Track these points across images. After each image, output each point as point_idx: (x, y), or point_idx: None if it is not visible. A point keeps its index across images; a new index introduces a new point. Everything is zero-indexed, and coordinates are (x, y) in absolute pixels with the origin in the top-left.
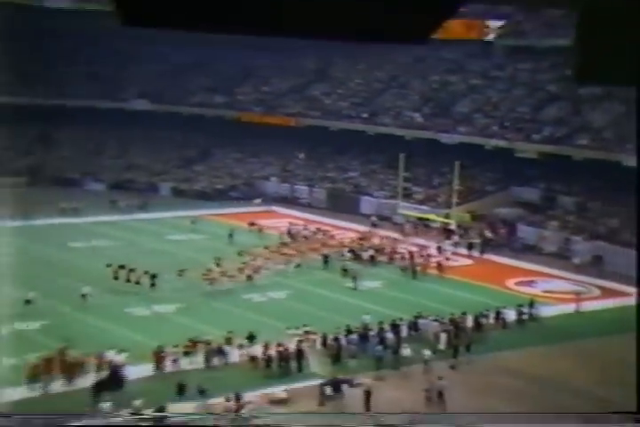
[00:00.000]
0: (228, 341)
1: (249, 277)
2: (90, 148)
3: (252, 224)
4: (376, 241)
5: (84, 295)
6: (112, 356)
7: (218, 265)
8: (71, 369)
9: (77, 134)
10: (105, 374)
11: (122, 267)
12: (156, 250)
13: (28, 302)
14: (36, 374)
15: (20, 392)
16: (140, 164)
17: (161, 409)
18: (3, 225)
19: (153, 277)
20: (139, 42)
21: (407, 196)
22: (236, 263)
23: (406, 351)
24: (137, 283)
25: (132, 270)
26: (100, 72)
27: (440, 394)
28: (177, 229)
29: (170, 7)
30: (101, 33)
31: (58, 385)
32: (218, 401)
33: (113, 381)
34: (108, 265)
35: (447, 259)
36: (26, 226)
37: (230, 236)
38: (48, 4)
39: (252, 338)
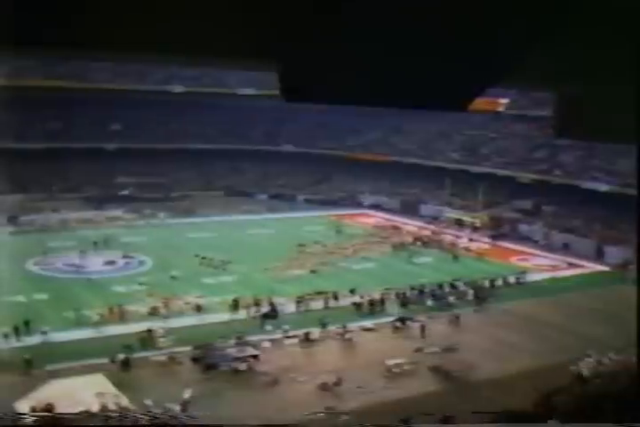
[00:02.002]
0: (335, 293)
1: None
2: (260, 173)
3: (339, 218)
4: (429, 232)
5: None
6: (275, 298)
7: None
8: (253, 305)
9: (254, 166)
10: (269, 309)
11: (204, 258)
12: (297, 235)
13: (224, 262)
14: (232, 307)
15: (223, 317)
16: (287, 183)
17: (307, 333)
18: (212, 219)
19: (224, 262)
20: (287, 111)
21: (450, 204)
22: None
23: (446, 301)
24: (215, 267)
25: (210, 259)
26: (266, 129)
27: (457, 317)
28: (308, 223)
29: (319, 89)
30: (266, 108)
31: (243, 314)
32: (333, 328)
33: (273, 313)
34: (196, 255)
35: (473, 244)
36: (224, 220)
37: (338, 231)
38: (243, 92)
39: (352, 291)
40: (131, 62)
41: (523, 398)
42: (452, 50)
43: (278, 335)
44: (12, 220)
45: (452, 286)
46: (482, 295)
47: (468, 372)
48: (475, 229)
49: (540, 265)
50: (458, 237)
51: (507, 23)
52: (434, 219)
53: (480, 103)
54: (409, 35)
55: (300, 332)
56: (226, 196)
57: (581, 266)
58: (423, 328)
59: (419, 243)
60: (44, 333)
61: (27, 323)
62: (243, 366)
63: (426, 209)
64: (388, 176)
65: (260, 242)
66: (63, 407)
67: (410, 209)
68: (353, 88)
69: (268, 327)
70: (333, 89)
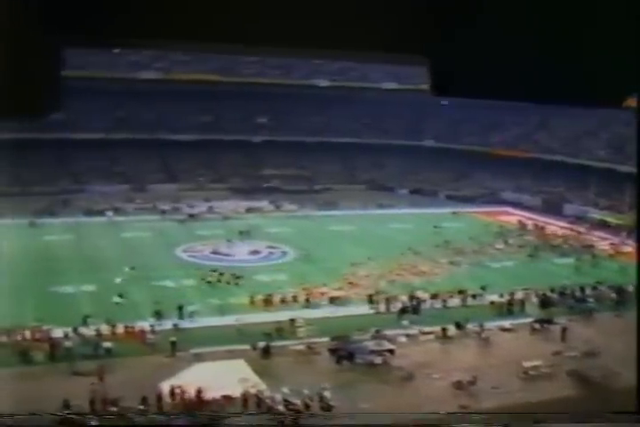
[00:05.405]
0: (473, 291)
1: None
2: (401, 168)
3: (480, 215)
4: (572, 232)
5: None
6: (419, 294)
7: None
8: (391, 300)
9: (395, 160)
10: (410, 304)
11: (214, 270)
12: (436, 231)
13: (236, 277)
14: (370, 300)
15: (360, 309)
16: (428, 179)
17: (444, 330)
18: (354, 213)
19: (237, 277)
20: (429, 105)
21: (595, 204)
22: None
23: (588, 304)
24: (228, 283)
25: (222, 274)
26: (408, 124)
27: (591, 312)
28: (448, 219)
29: (469, 84)
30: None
31: (381, 307)
32: (470, 327)
33: (412, 308)
34: (213, 269)
35: (618, 246)
36: (366, 213)
37: (479, 228)
38: (386, 86)
39: (484, 288)
40: (281, 57)
41: None
42: (608, 44)
43: (415, 331)
44: (161, 208)
45: (595, 289)
46: (624, 300)
47: (608, 378)
48: (620, 230)
49: None
50: (603, 238)
51: None
52: (578, 219)
53: (630, 99)
54: (563, 30)
55: (437, 328)
56: (368, 189)
57: None
58: (564, 331)
59: (564, 245)
60: (190, 316)
61: (180, 307)
62: (378, 360)
63: (570, 208)
64: (531, 173)
65: (400, 236)
66: (207, 390)
67: (553, 208)
68: (505, 83)
69: (405, 322)
70: (485, 84)
